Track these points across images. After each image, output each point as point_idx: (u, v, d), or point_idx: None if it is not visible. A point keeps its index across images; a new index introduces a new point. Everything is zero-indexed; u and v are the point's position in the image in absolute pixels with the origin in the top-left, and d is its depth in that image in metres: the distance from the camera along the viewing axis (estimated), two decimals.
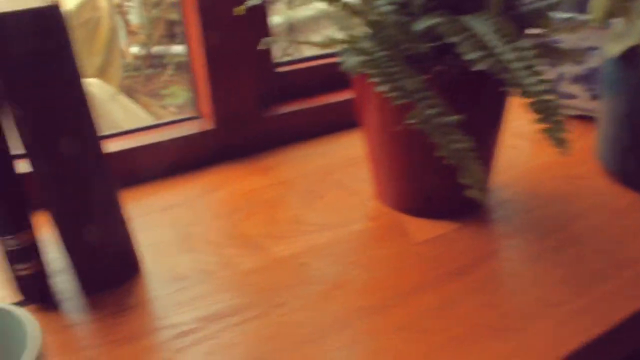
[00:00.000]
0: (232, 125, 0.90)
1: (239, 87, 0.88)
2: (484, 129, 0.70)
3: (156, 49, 3.12)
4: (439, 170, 0.71)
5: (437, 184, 0.73)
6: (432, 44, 0.61)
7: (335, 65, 0.98)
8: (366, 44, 0.63)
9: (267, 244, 0.71)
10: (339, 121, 0.97)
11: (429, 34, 0.60)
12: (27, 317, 0.47)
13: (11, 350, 0.49)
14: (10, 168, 0.59)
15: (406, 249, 0.69)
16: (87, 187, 0.61)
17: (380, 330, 0.58)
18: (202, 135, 0.89)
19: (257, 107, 0.91)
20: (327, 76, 0.99)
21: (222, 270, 0.67)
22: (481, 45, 0.54)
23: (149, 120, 2.30)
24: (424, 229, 0.73)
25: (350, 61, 0.63)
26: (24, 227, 0.61)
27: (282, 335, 0.58)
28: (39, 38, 0.55)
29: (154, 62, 3.13)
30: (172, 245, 0.72)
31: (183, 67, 3.14)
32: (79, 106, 0.59)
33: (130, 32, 3.20)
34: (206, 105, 0.89)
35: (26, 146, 0.58)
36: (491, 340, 0.55)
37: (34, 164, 0.59)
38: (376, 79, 0.57)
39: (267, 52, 0.93)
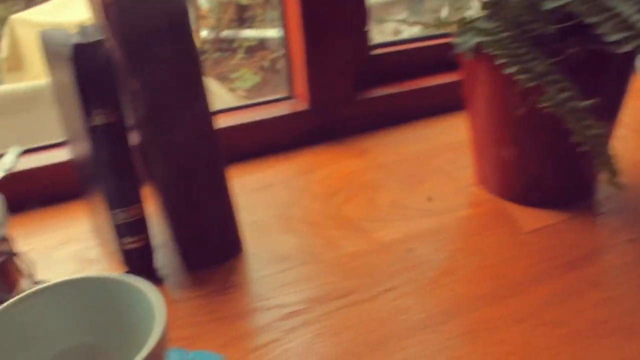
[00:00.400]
0: (327, 107, 0.88)
1: (335, 68, 0.87)
2: (604, 114, 0.66)
3: (225, 33, 3.14)
4: (550, 157, 0.68)
5: (547, 172, 0.70)
6: (559, 25, 0.58)
7: (431, 48, 0.96)
8: (486, 25, 0.60)
9: (370, 227, 0.70)
10: (434, 105, 0.94)
11: (557, 14, 0.57)
12: (153, 290, 0.46)
13: (132, 322, 0.48)
14: (125, 142, 0.59)
15: (514, 238, 0.67)
16: (196, 163, 0.60)
17: (496, 320, 0.55)
18: (296, 116, 0.88)
19: (352, 89, 0.89)
20: (423, 59, 0.96)
21: (327, 253, 0.66)
22: (626, 26, 0.50)
23: (231, 101, 2.31)
24: (531, 218, 0.70)
25: (469, 42, 0.60)
26: (134, 201, 0.61)
27: (393, 320, 0.56)
28: (159, 16, 0.55)
29: (223, 46, 3.16)
30: (272, 225, 0.71)
31: (252, 50, 3.15)
32: (193, 82, 0.58)
33: (200, 16, 3.23)
34: (301, 86, 0.88)
35: (139, 120, 0.58)
36: (614, 339, 0.52)
37: (145, 138, 0.59)
38: (503, 60, 0.55)
39: (363, 34, 0.91)
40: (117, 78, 0.57)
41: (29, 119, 1.15)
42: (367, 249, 0.66)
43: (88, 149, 0.60)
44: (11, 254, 0.58)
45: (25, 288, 0.62)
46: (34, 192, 0.63)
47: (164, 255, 0.66)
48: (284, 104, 0.90)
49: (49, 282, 0.61)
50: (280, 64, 2.84)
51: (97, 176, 0.61)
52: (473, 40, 0.59)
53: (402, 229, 0.69)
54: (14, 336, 0.48)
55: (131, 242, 0.62)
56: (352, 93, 0.90)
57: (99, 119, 0.57)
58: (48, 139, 0.84)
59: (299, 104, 0.89)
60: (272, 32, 2.89)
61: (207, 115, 0.59)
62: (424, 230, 0.68)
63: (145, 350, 0.41)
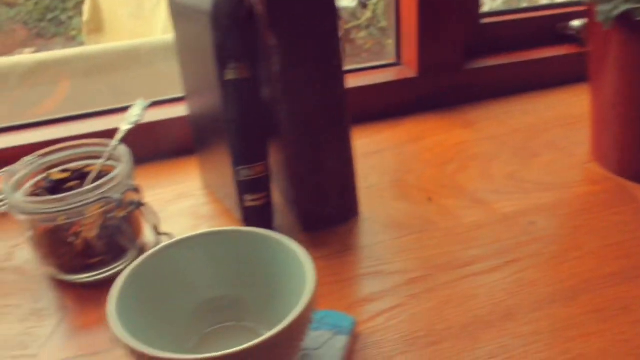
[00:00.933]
0: (435, 75, 0.87)
1: (446, 36, 0.85)
2: None
3: None
4: None
5: None
6: None
7: (542, 19, 0.93)
8: None
9: (488, 198, 0.68)
10: (543, 78, 0.91)
11: None
12: (303, 250, 0.47)
13: (278, 279, 0.49)
14: (256, 98, 0.59)
15: (639, 218, 0.64)
16: (324, 123, 0.60)
17: (628, 300, 0.53)
18: (403, 82, 0.86)
19: (461, 58, 0.87)
20: (535, 30, 0.93)
21: (444, 221, 0.65)
22: None
23: None
24: None
25: (614, 11, 0.58)
26: (258, 158, 0.61)
27: (520, 292, 0.55)
28: None
29: None
30: (386, 190, 0.71)
31: None
32: (329, 40, 0.57)
33: None
34: (410, 53, 0.86)
35: (272, 76, 0.57)
36: None
37: (276, 95, 0.58)
38: None
39: (474, 3, 0.88)
40: (254, 33, 0.56)
41: (127, 77, 1.17)
42: (486, 219, 0.64)
43: (217, 104, 0.60)
44: (139, 205, 0.59)
45: (150, 239, 0.63)
46: (150, 146, 0.63)
47: (283, 214, 0.66)
48: (391, 70, 0.89)
49: (170, 234, 0.62)
50: (353, 34, 2.81)
51: (224, 132, 0.61)
52: (620, 8, 0.56)
53: (520, 202, 0.67)
54: (165, 280, 0.49)
55: (252, 200, 0.62)
56: (461, 62, 0.88)
57: (232, 74, 0.57)
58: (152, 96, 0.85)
59: (407, 71, 0.88)
60: (347, 2, 2.86)
61: (339, 74, 0.58)
62: (543, 204, 0.67)
63: (299, 308, 0.41)
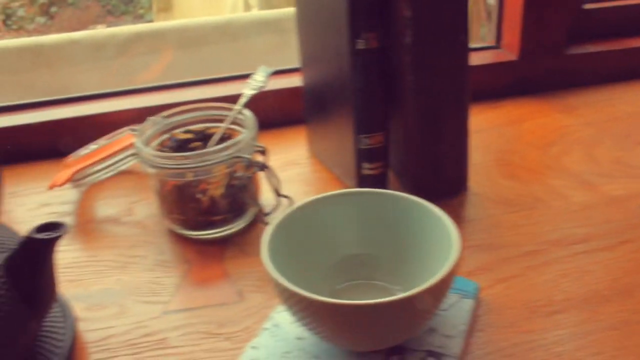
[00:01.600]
0: (536, 59, 0.87)
1: (549, 20, 0.85)
2: None
3: None
4: None
5: None
6: None
7: None
8: None
9: (595, 181, 0.69)
10: None
11: None
12: (448, 218, 0.49)
13: (420, 242, 0.51)
14: (383, 68, 0.61)
15: None
16: (448, 95, 0.61)
17: None
18: (503, 65, 0.87)
19: (563, 43, 0.88)
20: (639, 17, 0.93)
21: (553, 200, 0.66)
22: None
23: None
24: None
25: None
26: (380, 128, 0.63)
27: (637, 272, 0.56)
28: None
29: None
30: (492, 168, 0.72)
31: None
32: (460, 13, 0.59)
33: None
34: (512, 36, 0.87)
35: (402, 47, 0.59)
36: None
37: (405, 66, 0.60)
38: None
39: None
40: (388, 4, 0.58)
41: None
42: (595, 201, 0.65)
43: (342, 73, 0.62)
44: (264, 167, 0.62)
45: (269, 201, 0.66)
46: (259, 115, 0.66)
47: (395, 185, 0.68)
48: (490, 52, 0.89)
49: (290, 197, 0.64)
50: None
51: (346, 100, 0.63)
52: None
53: (629, 185, 0.68)
54: (308, 234, 0.51)
55: (369, 169, 0.64)
56: (563, 47, 0.88)
57: (362, 44, 0.59)
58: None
59: (507, 54, 0.89)
60: None
61: (465, 50, 0.60)
62: None
63: (445, 269, 0.43)
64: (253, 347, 0.49)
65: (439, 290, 0.43)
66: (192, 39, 1.21)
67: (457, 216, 0.64)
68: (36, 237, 0.44)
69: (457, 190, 0.67)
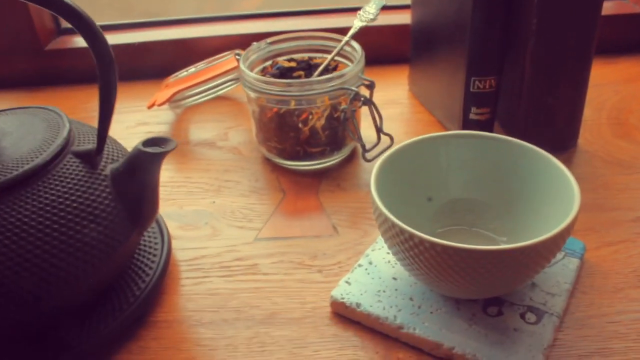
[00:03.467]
0: None
1: None
2: None
3: None
4: None
5: None
6: None
7: None
8: None
9: None
10: None
11: None
12: (570, 174, 0.46)
13: (538, 196, 0.49)
14: (504, 11, 0.57)
15: None
16: (571, 46, 0.57)
17: None
18: (625, 18, 0.81)
19: None
20: None
21: None
22: None
23: None
24: None
25: None
26: (493, 72, 0.60)
27: None
28: None
29: None
30: (604, 126, 0.68)
31: None
32: None
33: None
34: None
35: None
36: None
37: (530, 11, 0.56)
38: None
39: None
40: None
41: None
42: None
43: (459, 13, 0.59)
44: (369, 102, 0.60)
45: (370, 138, 0.64)
46: (365, 48, 0.64)
47: (501, 133, 0.65)
48: (614, 3, 0.83)
49: (391, 135, 0.63)
50: None
51: (459, 41, 0.60)
52: None
53: None
54: (419, 171, 0.50)
55: (477, 113, 0.61)
56: None
57: None
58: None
59: (631, 7, 0.82)
60: None
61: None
62: None
63: (565, 224, 0.41)
64: (347, 282, 0.49)
65: (552, 246, 0.41)
66: None
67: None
68: (145, 150, 0.45)
69: (566, 145, 0.63)
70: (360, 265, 0.50)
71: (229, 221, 0.58)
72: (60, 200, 0.43)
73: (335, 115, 0.60)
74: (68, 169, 0.45)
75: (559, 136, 0.62)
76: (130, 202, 0.46)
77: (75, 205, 0.43)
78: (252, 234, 0.57)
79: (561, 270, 0.48)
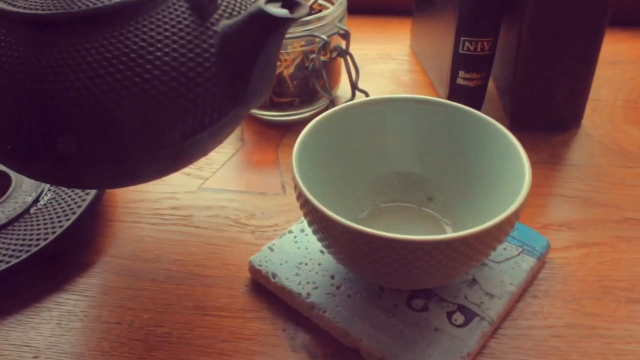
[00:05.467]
0: None
1: None
2: None
3: None
4: None
5: None
6: None
7: None
8: None
9: None
10: None
11: None
12: (521, 146, 0.39)
13: (483, 166, 0.43)
14: None
15: None
16: (579, 12, 0.49)
17: None
18: None
19: None
20: None
21: None
22: None
23: None
24: None
25: None
26: (487, 33, 0.53)
27: None
28: None
29: None
30: (617, 109, 0.59)
31: None
32: None
33: None
34: None
35: None
36: None
37: None
38: None
39: None
40: None
41: None
42: None
43: None
44: (345, 52, 0.54)
45: (344, 93, 0.59)
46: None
47: (491, 104, 0.58)
48: None
49: (367, 93, 0.57)
50: None
51: None
52: None
53: None
54: (357, 137, 0.44)
55: (465, 79, 0.54)
56: None
57: None
58: None
59: None
60: None
61: None
62: None
63: (509, 210, 0.35)
64: (270, 248, 0.44)
65: (488, 240, 0.34)
66: None
67: (557, 155, 0.53)
68: (267, 11, 0.35)
69: (566, 125, 0.56)
70: (290, 232, 0.45)
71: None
72: (152, 47, 0.35)
73: (306, 65, 0.54)
74: (171, 13, 0.36)
75: (558, 115, 0.55)
76: (236, 73, 0.37)
77: (168, 57, 0.35)
78: (197, 182, 0.53)
79: (511, 268, 0.42)
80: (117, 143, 0.36)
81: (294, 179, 0.38)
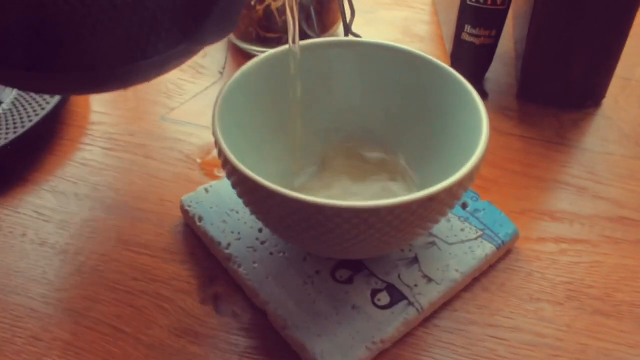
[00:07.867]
0: None
1: None
2: None
3: None
4: None
5: None
6: None
7: None
8: None
9: None
10: None
11: None
12: (481, 102, 0.34)
13: (437, 118, 0.37)
14: None
15: None
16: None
17: None
18: None
19: None
20: None
21: None
22: None
23: None
24: None
25: None
26: None
27: None
28: None
29: None
30: None
31: None
32: None
33: None
34: None
35: None
36: None
37: None
38: None
39: None
40: None
41: None
42: None
43: None
44: None
45: (338, 35, 0.53)
46: None
47: (503, 70, 0.52)
48: None
49: (361, 38, 0.51)
50: None
51: None
52: None
53: None
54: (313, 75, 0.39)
55: (471, 34, 0.48)
56: None
57: None
58: None
59: None
60: None
61: None
62: None
63: (463, 171, 0.30)
64: (205, 189, 0.40)
65: (430, 206, 0.29)
66: None
67: (562, 135, 0.46)
68: None
69: (581, 102, 0.48)
70: None
71: (148, 94, 0.51)
72: None
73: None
74: None
75: (573, 89, 0.48)
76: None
77: None
78: (162, 111, 0.49)
79: (462, 253, 0.36)
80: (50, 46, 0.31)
81: (214, 132, 0.33)
